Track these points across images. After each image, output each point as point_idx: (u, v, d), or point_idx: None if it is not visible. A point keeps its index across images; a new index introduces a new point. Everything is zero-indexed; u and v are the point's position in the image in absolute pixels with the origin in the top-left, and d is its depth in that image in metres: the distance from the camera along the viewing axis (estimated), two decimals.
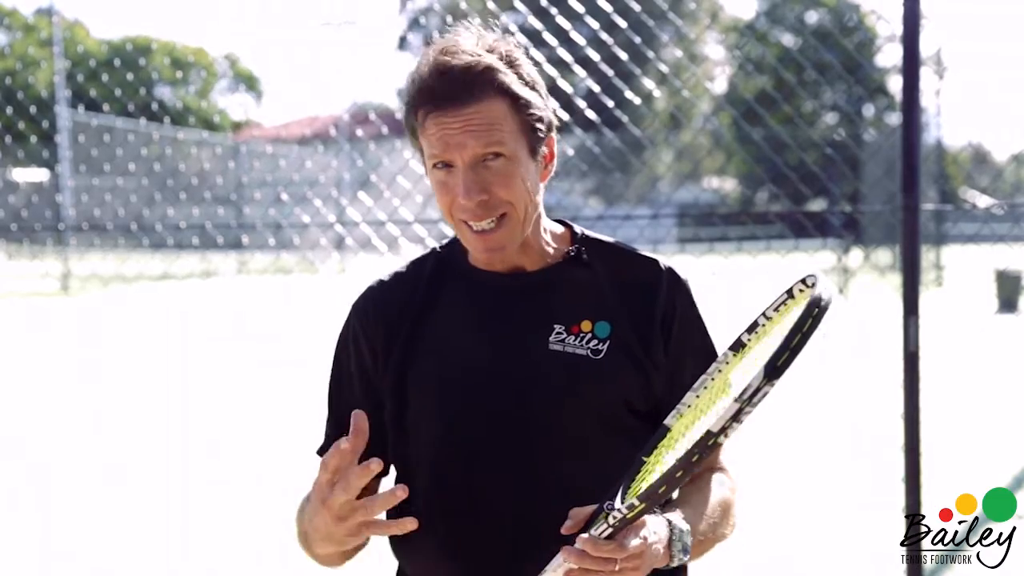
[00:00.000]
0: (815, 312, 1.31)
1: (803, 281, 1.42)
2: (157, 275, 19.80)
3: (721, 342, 1.65)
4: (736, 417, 1.31)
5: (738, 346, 1.51)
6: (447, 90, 1.62)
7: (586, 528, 1.46)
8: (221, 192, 28.22)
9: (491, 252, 1.69)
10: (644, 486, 1.42)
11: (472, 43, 1.66)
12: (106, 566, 5.13)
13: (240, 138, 37.93)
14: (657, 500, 1.38)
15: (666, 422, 1.54)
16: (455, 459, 1.71)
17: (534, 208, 1.71)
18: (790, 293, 1.45)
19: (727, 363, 1.52)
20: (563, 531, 1.47)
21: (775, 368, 1.30)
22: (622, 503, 1.43)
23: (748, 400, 1.30)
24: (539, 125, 1.69)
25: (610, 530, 1.42)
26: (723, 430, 1.31)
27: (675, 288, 1.78)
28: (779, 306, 1.47)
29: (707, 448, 1.33)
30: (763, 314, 1.49)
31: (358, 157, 20.54)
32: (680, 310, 1.77)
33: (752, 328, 1.50)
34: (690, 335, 1.78)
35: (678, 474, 1.35)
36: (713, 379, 1.53)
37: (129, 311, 16.77)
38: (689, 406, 1.53)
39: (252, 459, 7.08)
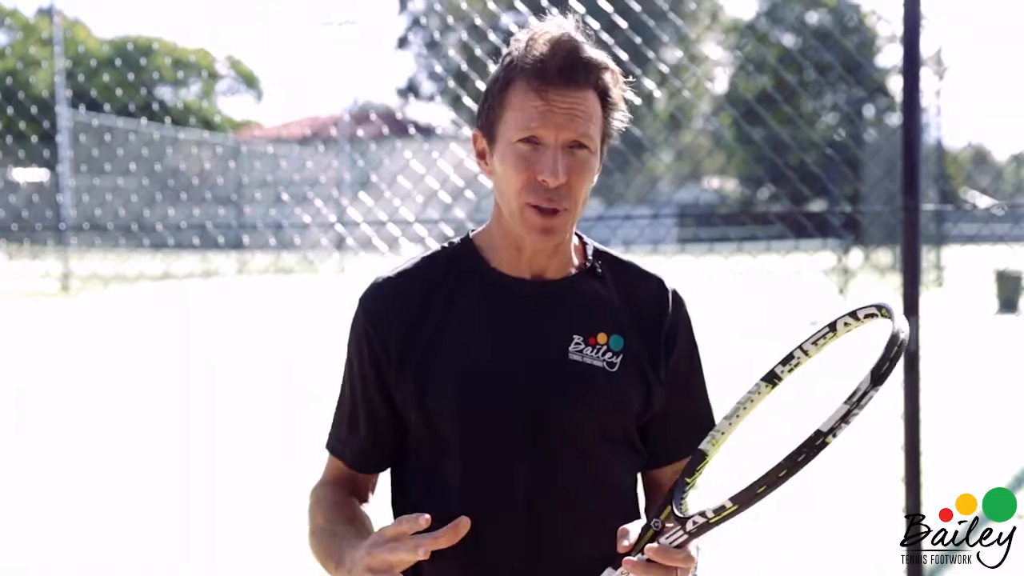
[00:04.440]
0: (899, 343, 1.37)
1: (852, 315, 1.45)
2: (158, 275, 19.80)
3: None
4: (845, 418, 1.35)
5: (771, 378, 1.53)
6: (567, 69, 1.64)
7: (637, 544, 1.48)
8: (222, 192, 28.23)
9: (548, 233, 1.69)
10: (710, 502, 1.45)
11: (581, 35, 1.70)
12: (107, 566, 5.13)
13: (241, 138, 37.95)
14: (755, 500, 1.39)
15: (701, 447, 1.57)
16: (472, 461, 1.72)
17: (584, 207, 1.74)
18: (832, 327, 1.47)
19: (759, 393, 1.55)
20: (619, 550, 1.50)
21: (880, 375, 1.35)
22: (698, 507, 1.45)
23: (856, 403, 1.35)
24: (612, 132, 1.73)
25: (685, 536, 1.45)
26: (832, 430, 1.35)
27: (678, 309, 1.82)
28: (818, 339, 1.50)
29: (815, 447, 1.37)
30: (800, 348, 1.51)
31: (359, 157, 20.56)
32: (682, 333, 1.82)
33: (787, 361, 1.52)
34: (686, 359, 1.83)
35: (782, 473, 1.37)
36: (745, 408, 1.56)
37: (129, 311, 16.77)
38: (723, 433, 1.57)
39: (253, 458, 7.08)
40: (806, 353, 1.50)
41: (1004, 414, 8.08)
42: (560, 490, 1.70)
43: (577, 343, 1.74)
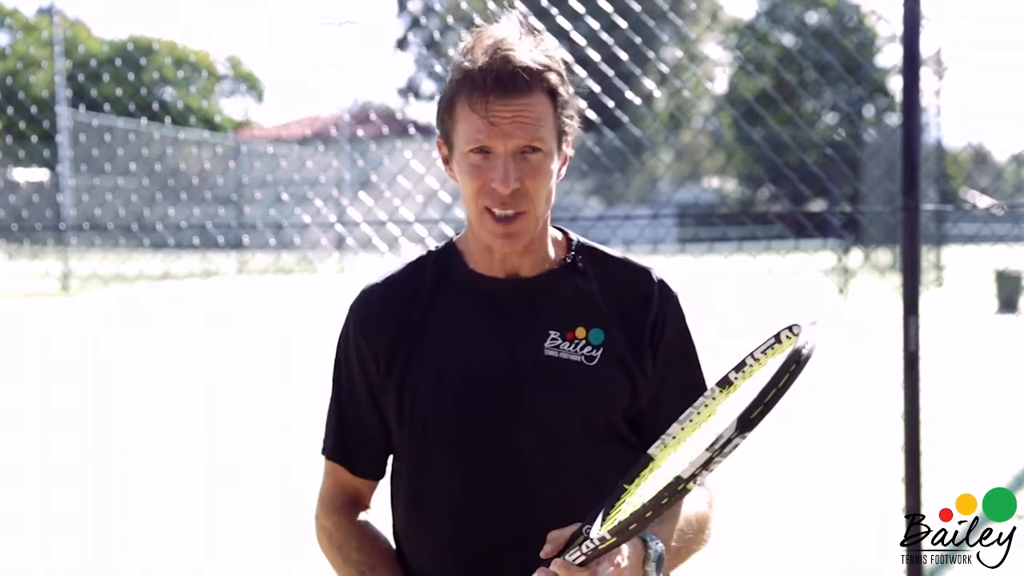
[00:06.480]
0: (792, 367, 1.34)
1: (790, 328, 1.46)
2: (158, 275, 19.80)
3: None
4: (706, 466, 1.34)
5: (725, 383, 1.54)
6: (505, 79, 1.64)
7: (564, 550, 1.49)
8: (222, 192, 28.24)
9: (508, 238, 1.71)
10: (620, 517, 1.46)
11: (519, 37, 1.69)
12: (107, 565, 5.13)
13: (241, 138, 37.97)
14: (629, 536, 1.42)
15: (650, 451, 1.57)
16: (453, 461, 1.73)
17: (548, 205, 1.74)
18: (778, 338, 1.49)
19: (713, 398, 1.55)
20: (542, 555, 1.51)
21: (748, 422, 1.33)
22: (599, 530, 1.47)
23: (719, 450, 1.34)
24: (568, 128, 1.73)
25: (583, 557, 1.46)
26: (692, 477, 1.35)
27: (666, 300, 1.81)
28: (767, 349, 1.51)
29: (676, 493, 1.36)
30: (751, 355, 1.52)
31: (359, 157, 20.54)
32: (671, 323, 1.80)
33: (740, 367, 1.53)
34: (678, 348, 1.82)
35: (647, 514, 1.39)
36: (699, 413, 1.56)
37: (129, 311, 16.77)
38: (674, 437, 1.57)
39: (253, 458, 7.08)
40: (757, 361, 1.52)
41: (1004, 414, 8.08)
42: (542, 487, 1.71)
43: (553, 339, 1.74)
